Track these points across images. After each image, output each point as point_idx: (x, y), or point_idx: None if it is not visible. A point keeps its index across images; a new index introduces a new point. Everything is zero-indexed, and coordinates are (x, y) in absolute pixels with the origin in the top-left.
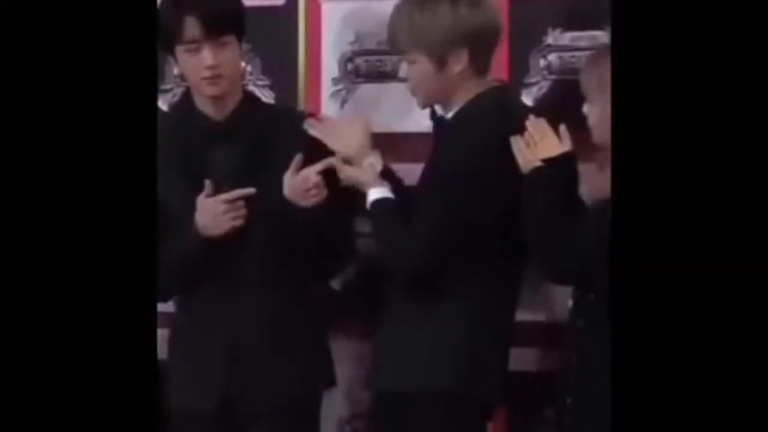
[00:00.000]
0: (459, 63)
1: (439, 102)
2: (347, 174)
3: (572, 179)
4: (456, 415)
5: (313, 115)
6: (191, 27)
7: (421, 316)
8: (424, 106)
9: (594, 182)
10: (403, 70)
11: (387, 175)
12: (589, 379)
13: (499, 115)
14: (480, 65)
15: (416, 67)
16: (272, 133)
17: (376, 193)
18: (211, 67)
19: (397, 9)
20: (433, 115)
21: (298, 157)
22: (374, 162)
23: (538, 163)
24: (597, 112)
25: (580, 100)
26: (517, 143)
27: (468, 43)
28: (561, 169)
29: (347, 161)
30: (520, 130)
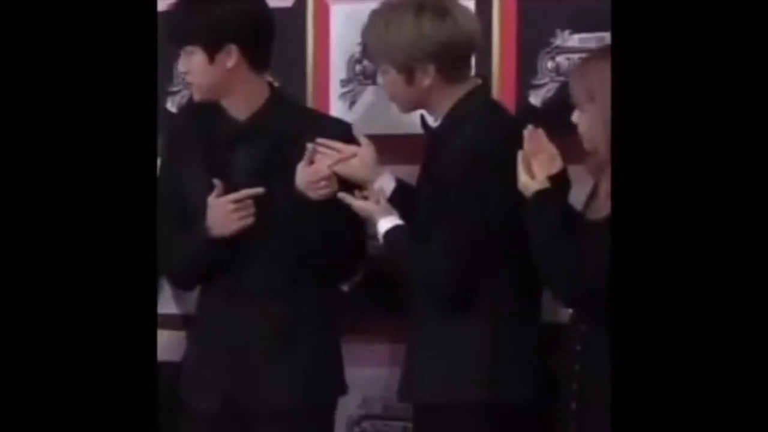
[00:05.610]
0: (426, 76)
1: (418, 108)
2: (356, 207)
3: (567, 192)
4: (494, 423)
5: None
6: None
7: (449, 328)
8: (404, 111)
9: (586, 185)
10: (379, 78)
11: (400, 190)
12: (592, 384)
13: (485, 115)
14: (451, 76)
15: (388, 77)
16: (295, 135)
17: (386, 223)
18: (182, 73)
19: (369, 20)
20: (424, 124)
21: (311, 148)
22: (384, 184)
23: (539, 186)
24: (587, 120)
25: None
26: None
27: (433, 57)
28: (560, 187)
29: (357, 185)
30: (510, 125)
